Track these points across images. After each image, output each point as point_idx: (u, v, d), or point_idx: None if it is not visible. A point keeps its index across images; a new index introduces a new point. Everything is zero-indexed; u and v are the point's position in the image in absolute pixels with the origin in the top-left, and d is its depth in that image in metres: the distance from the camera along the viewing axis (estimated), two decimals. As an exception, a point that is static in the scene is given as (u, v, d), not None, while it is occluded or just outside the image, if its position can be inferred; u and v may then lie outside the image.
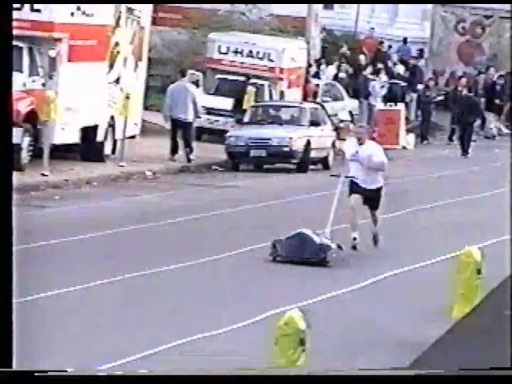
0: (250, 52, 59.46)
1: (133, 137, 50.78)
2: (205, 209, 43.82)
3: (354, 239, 28.64)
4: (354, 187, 28.64)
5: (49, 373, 8.37)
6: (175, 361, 19.31)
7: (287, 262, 26.55)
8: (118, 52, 49.37)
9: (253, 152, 52.61)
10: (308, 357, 16.44)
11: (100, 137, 47.51)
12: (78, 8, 47.08)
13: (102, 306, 25.21)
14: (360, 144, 28.41)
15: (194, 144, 53.58)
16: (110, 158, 48.62)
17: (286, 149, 52.10)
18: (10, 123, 11.25)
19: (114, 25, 48.88)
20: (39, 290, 25.70)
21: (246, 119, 54.49)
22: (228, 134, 53.20)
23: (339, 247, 27.42)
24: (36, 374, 8.31)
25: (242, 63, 59.49)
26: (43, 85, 44.92)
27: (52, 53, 45.10)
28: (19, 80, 43.84)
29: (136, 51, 51.04)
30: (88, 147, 47.21)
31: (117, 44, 49.44)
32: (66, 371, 8.58)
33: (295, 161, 52.18)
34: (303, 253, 26.49)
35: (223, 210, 43.91)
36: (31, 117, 44.19)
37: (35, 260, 31.55)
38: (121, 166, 47.62)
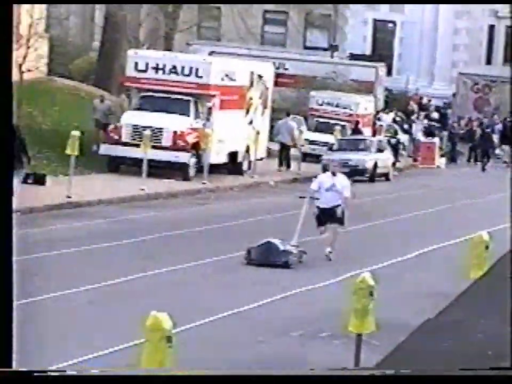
0: (337, 104, 59.51)
1: (261, 159, 50.04)
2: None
3: (326, 254, 25.70)
4: (322, 212, 25.84)
5: (49, 373, 7.08)
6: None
7: (258, 265, 24.04)
8: (251, 104, 49.03)
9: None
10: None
11: (239, 159, 47.60)
12: (226, 75, 47.16)
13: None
14: (334, 175, 26.16)
15: (303, 164, 52.95)
16: (246, 173, 48.51)
17: (361, 167, 52.13)
18: (10, 124, 8.67)
19: (249, 86, 48.50)
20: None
21: (334, 147, 54.42)
22: (323, 157, 50.87)
23: (303, 252, 25.03)
24: (35, 374, 6.99)
25: (333, 111, 59.36)
26: (203, 125, 44.63)
27: (209, 104, 44.96)
28: (188, 122, 44.51)
29: (263, 103, 50.50)
30: (232, 165, 47.31)
31: (250, 98, 48.94)
32: (65, 371, 7.28)
33: (367, 175, 52.54)
34: (269, 258, 24.07)
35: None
36: (196, 146, 44.40)
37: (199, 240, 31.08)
38: (253, 177, 47.76)
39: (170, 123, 43.35)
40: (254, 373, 7.27)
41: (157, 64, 46.29)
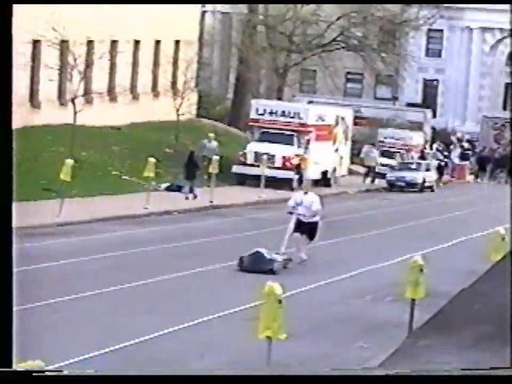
0: (397, 138, 58.14)
1: (344, 175, 49.75)
2: (375, 206, 43.85)
3: (302, 259, 22.26)
4: (299, 223, 22.39)
5: (48, 373, 5.70)
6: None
7: (249, 272, 20.67)
8: (337, 137, 48.32)
9: (398, 183, 51.70)
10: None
11: (328, 176, 46.54)
12: (319, 117, 46.90)
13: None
14: (305, 194, 22.87)
15: (377, 180, 52.63)
16: (333, 185, 46.92)
17: (413, 182, 51.26)
18: (10, 126, 6.61)
19: (335, 124, 47.93)
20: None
21: (395, 168, 53.69)
22: (387, 175, 51.91)
23: (289, 259, 21.75)
24: (34, 374, 5.64)
25: (394, 143, 57.92)
26: (304, 152, 44.14)
27: (307, 137, 44.60)
28: (292, 150, 43.75)
29: (345, 136, 50.00)
30: (324, 180, 45.85)
31: (336, 133, 48.31)
32: (64, 371, 5.88)
33: (417, 188, 51.36)
34: (257, 265, 20.76)
35: (385, 209, 43.05)
36: (298, 166, 43.45)
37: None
38: (338, 188, 46.68)
39: (280, 151, 42.98)
40: (257, 373, 5.72)
41: (272, 110, 45.90)
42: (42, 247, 25.01)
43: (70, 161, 29.83)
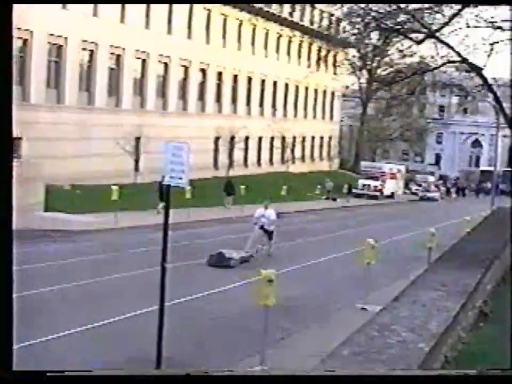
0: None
1: (399, 194, 57.97)
2: (415, 207, 51.53)
3: (268, 253, 20.67)
4: (262, 229, 20.31)
5: (49, 374, 4.07)
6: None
7: (214, 266, 18.17)
8: (397, 177, 58.28)
9: (424, 197, 60.38)
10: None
11: (389, 193, 55.25)
12: (389, 169, 56.18)
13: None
14: (266, 209, 20.74)
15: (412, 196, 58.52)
16: (395, 198, 55.80)
17: (432, 197, 60.52)
18: (10, 128, 4.40)
19: (396, 172, 58.01)
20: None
21: (423, 190, 61.59)
22: (419, 193, 61.47)
23: (251, 256, 19.64)
24: (35, 374, 4.05)
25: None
26: (381, 184, 53.01)
27: (384, 177, 54.32)
28: (378, 182, 52.67)
29: (401, 177, 59.59)
30: (391, 197, 55.38)
31: (396, 176, 58.02)
32: (65, 371, 4.14)
33: (434, 200, 59.17)
34: (220, 262, 18.40)
35: (420, 207, 50.68)
36: (380, 190, 52.57)
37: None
38: (397, 199, 55.08)
39: (373, 183, 54.45)
40: (255, 373, 4.43)
41: (369, 166, 57.03)
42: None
43: (284, 187, 39.89)
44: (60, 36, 36.30)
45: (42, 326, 11.47)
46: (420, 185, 65.86)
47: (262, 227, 20.37)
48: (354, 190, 52.22)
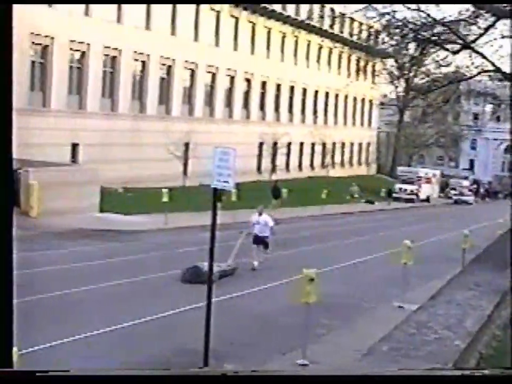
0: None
1: (434, 198, 57.82)
2: (450, 210, 51.58)
3: (253, 267, 18.66)
4: (256, 237, 18.83)
5: (50, 373, 3.43)
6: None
7: (189, 282, 15.62)
8: (432, 181, 58.66)
9: (458, 201, 60.68)
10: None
11: (425, 197, 55.56)
12: (425, 173, 56.52)
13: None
14: (260, 215, 18.98)
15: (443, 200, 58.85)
16: (431, 201, 56.05)
17: (466, 200, 60.56)
18: (10, 127, 3.47)
19: (431, 176, 57.95)
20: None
21: (458, 194, 61.87)
22: (453, 197, 61.43)
23: (235, 268, 17.73)
24: (36, 374, 3.43)
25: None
26: (418, 188, 53.37)
27: (420, 182, 54.19)
28: (414, 187, 52.55)
29: (436, 181, 59.72)
30: (427, 200, 55.58)
31: (431, 180, 58.20)
32: (66, 371, 3.49)
33: (468, 203, 59.27)
34: (196, 277, 15.50)
35: (455, 210, 50.40)
36: (417, 194, 52.90)
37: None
38: (432, 202, 54.60)
39: (409, 187, 54.38)
40: (256, 374, 3.78)
41: (406, 171, 56.92)
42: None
43: (325, 191, 38.23)
44: (115, 49, 37.54)
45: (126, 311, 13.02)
46: (454, 189, 66.37)
47: (255, 239, 19.06)
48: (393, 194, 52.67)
